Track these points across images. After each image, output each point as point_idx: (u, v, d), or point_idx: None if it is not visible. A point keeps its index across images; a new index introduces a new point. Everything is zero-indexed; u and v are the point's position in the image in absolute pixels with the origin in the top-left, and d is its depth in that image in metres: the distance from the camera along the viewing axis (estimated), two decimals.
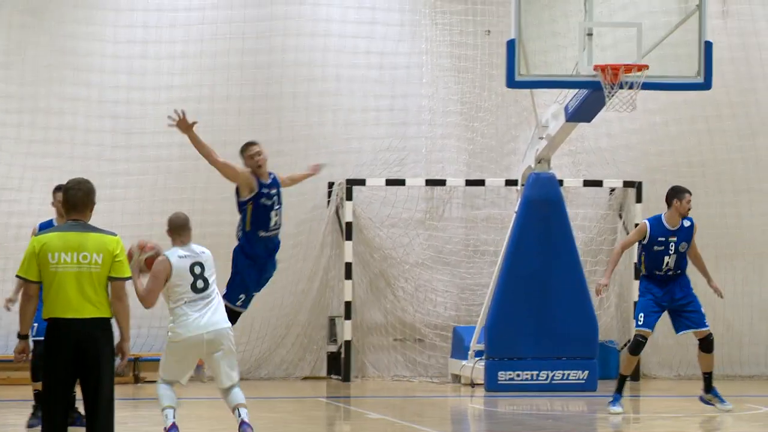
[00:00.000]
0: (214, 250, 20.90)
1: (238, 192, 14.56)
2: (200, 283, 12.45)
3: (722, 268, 20.78)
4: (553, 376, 19.83)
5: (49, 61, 21.30)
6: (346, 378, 21.37)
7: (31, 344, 14.38)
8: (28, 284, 9.77)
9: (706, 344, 17.11)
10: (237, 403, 12.55)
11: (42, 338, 14.15)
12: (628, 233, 21.62)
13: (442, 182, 21.93)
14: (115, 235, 9.88)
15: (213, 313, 12.68)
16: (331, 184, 21.76)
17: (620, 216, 22.43)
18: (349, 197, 21.56)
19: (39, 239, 9.77)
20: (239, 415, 12.43)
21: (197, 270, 12.43)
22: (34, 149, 21.19)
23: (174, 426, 12.43)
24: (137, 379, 21.01)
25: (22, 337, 9.85)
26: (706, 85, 18.58)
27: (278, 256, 21.28)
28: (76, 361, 9.72)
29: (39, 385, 13.92)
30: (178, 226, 12.50)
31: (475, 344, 20.28)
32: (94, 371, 9.79)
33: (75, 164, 21.03)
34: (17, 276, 9.75)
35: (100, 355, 9.78)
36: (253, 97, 21.77)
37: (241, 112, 21.69)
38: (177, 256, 12.28)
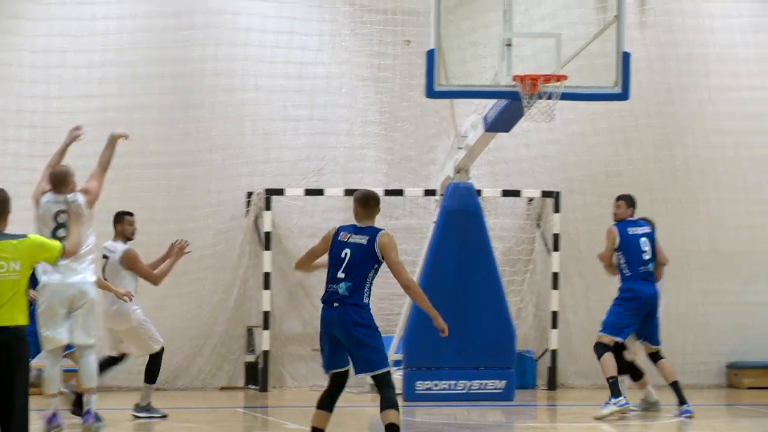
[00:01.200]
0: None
1: None
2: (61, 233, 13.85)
3: None
4: (471, 385, 19.85)
5: None
6: (264, 388, 21.24)
7: None
8: None
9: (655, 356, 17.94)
10: (87, 387, 13.26)
11: None
12: (546, 243, 22.24)
13: None
14: (26, 236, 9.99)
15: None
16: (249, 194, 21.64)
17: (538, 226, 22.37)
18: (268, 207, 21.42)
19: None
20: (88, 403, 13.00)
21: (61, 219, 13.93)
22: None
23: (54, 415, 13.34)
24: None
25: None
26: (623, 95, 18.59)
27: (197, 265, 21.29)
28: None
29: None
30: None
31: (393, 354, 20.10)
32: (7, 379, 9.81)
33: None
34: None
35: (14, 362, 9.86)
36: (172, 107, 21.56)
37: (159, 122, 21.52)
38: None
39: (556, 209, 22.04)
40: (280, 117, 21.94)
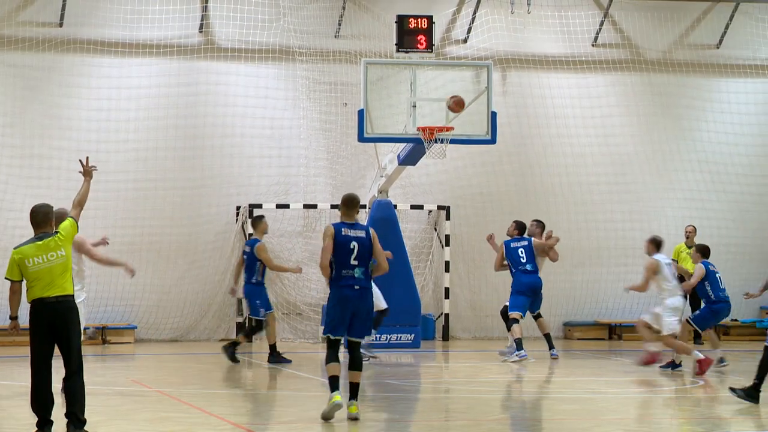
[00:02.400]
0: (154, 254, 21.11)
1: None
2: None
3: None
4: (390, 338, 19.83)
5: (42, 122, 21.03)
6: (249, 339, 20.79)
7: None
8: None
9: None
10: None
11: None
12: (440, 241, 22.01)
13: (314, 206, 21.81)
14: (58, 231, 9.79)
15: None
16: (238, 208, 21.55)
17: (435, 229, 22.26)
18: (252, 216, 21.11)
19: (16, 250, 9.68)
20: None
21: None
22: (33, 183, 20.84)
23: None
24: (104, 342, 20.81)
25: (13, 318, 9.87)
26: (492, 140, 18.67)
27: (203, 256, 21.25)
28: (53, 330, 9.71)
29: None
30: None
31: None
32: (66, 330, 9.73)
33: (60, 194, 20.20)
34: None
35: (68, 319, 9.77)
36: (183, 148, 21.51)
37: (175, 158, 21.45)
38: None
39: (447, 218, 22.01)
40: (258, 155, 21.86)
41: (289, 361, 17.45)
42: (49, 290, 9.67)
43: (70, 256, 9.80)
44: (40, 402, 9.75)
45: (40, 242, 9.75)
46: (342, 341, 11.52)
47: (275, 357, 17.51)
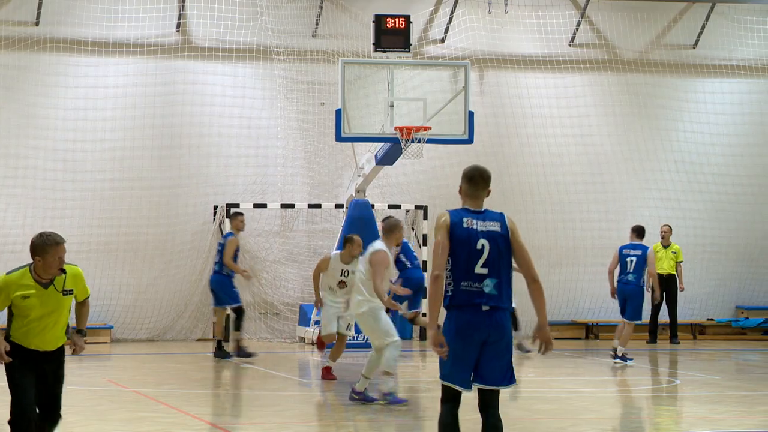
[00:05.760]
0: (131, 253, 21.09)
1: None
2: None
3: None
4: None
5: (18, 122, 21.02)
6: (226, 339, 20.53)
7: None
8: None
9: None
10: None
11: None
12: (417, 240, 22.02)
13: (291, 206, 21.85)
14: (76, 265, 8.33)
15: None
16: (215, 207, 21.57)
17: (413, 229, 22.28)
18: (228, 215, 21.08)
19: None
20: None
21: None
22: (8, 182, 20.91)
23: None
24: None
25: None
26: (469, 140, 18.65)
27: (180, 255, 21.20)
28: None
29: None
30: None
31: (314, 316, 20.23)
32: None
33: (37, 193, 20.87)
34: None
35: None
36: (161, 147, 21.55)
37: (152, 157, 21.50)
38: None
39: (425, 217, 22.05)
40: (236, 154, 21.91)
41: (231, 357, 17.46)
42: None
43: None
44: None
45: None
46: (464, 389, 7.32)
47: (222, 352, 17.64)
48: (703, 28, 23.25)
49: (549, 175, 22.86)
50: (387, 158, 19.09)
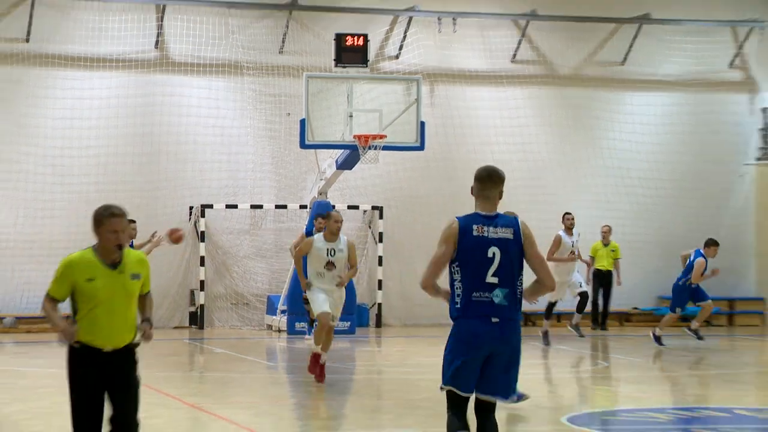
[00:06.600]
0: None
1: None
2: None
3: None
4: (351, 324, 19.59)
5: (11, 131, 20.92)
6: (201, 327, 21.14)
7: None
8: None
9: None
10: None
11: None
12: (374, 238, 21.98)
13: (260, 206, 21.80)
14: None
15: None
16: (191, 208, 21.56)
17: (369, 227, 22.25)
18: (203, 215, 21.45)
19: None
20: None
21: None
22: (1, 185, 20.79)
23: None
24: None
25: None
26: (421, 147, 18.92)
27: (157, 251, 21.18)
28: None
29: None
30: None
31: (281, 306, 20.30)
32: None
33: (28, 195, 20.83)
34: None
35: None
36: (141, 154, 21.47)
37: (134, 163, 21.42)
38: None
39: (381, 217, 21.92)
40: (210, 160, 21.81)
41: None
42: None
43: None
44: None
45: None
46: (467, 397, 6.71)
47: None
48: (631, 46, 23.56)
49: None
50: (346, 163, 19.10)
